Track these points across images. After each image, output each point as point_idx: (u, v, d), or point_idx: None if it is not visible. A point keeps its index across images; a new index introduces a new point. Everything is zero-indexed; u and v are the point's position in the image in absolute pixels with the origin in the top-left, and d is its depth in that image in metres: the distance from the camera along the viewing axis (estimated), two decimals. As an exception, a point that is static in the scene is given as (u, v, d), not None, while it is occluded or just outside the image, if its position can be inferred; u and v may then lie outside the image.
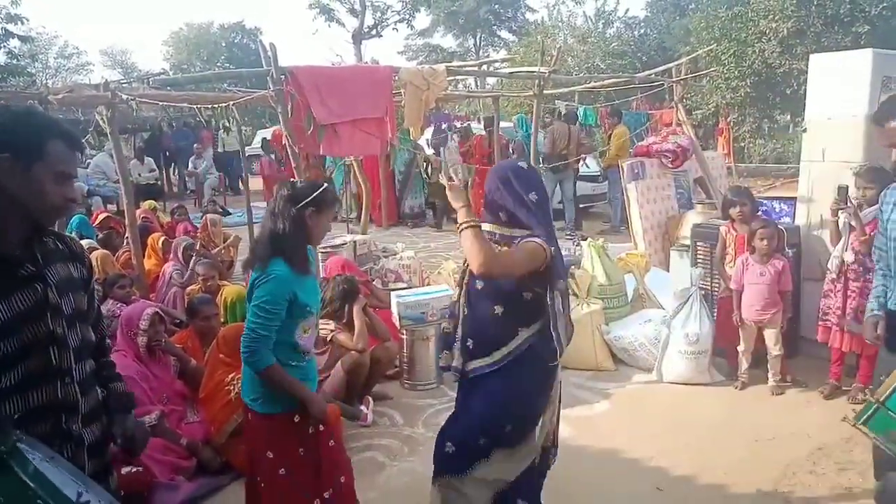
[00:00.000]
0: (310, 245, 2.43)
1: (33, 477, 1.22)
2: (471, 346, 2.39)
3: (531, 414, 2.42)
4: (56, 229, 1.70)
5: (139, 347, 3.50)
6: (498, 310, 2.32)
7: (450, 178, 2.33)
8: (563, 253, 6.03)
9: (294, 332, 2.34)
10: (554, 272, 2.28)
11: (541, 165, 7.64)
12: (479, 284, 2.36)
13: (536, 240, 2.25)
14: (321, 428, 2.40)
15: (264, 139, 13.76)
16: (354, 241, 6.30)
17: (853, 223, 3.81)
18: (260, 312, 2.26)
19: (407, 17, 30.96)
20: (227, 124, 6.24)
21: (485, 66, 8.10)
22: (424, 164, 10.04)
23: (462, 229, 2.19)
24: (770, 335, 4.15)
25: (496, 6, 31.28)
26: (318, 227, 2.39)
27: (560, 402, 2.60)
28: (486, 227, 2.35)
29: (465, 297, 2.43)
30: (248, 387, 2.41)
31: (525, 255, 2.22)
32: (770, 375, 4.20)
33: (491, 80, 18.28)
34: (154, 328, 3.54)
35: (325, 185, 2.44)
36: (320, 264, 5.87)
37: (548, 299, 2.28)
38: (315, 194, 2.35)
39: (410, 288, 5.40)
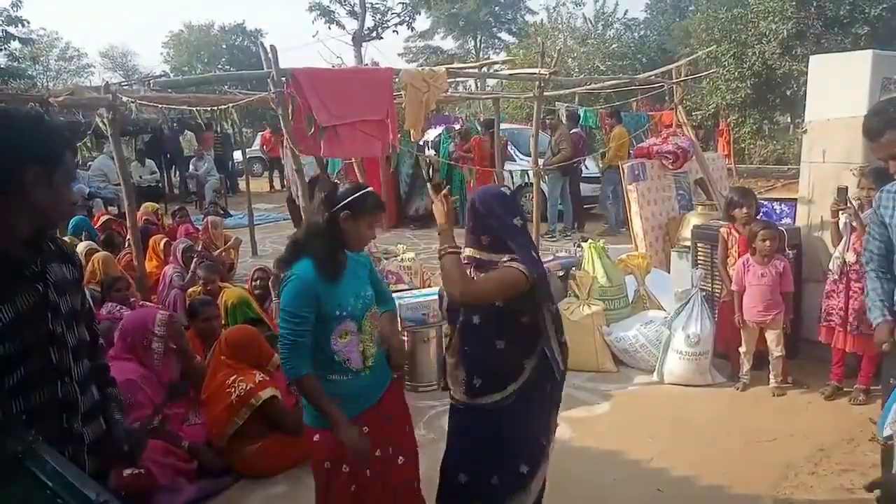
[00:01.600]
0: (348, 250, 2.29)
1: (51, 476, 1.22)
2: (478, 385, 2.33)
3: (539, 444, 2.39)
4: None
5: (153, 353, 3.49)
6: (500, 344, 2.30)
7: (436, 189, 2.38)
8: (563, 254, 6.06)
9: (329, 339, 2.19)
10: (541, 293, 2.28)
11: (540, 167, 7.62)
12: (476, 319, 2.32)
13: (516, 265, 2.23)
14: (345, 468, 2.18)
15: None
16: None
17: (854, 224, 3.81)
18: (286, 317, 2.15)
19: (407, 19, 31.00)
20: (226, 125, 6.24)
21: (485, 68, 8.09)
22: (426, 165, 10.06)
23: (442, 255, 2.26)
24: (771, 336, 4.15)
25: (496, 8, 31.35)
26: (355, 231, 2.24)
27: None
28: (468, 252, 2.36)
29: (461, 334, 2.38)
30: None
31: (503, 281, 2.23)
32: (771, 377, 4.20)
33: (491, 82, 18.27)
34: (172, 329, 3.56)
35: (367, 189, 2.33)
36: (381, 263, 5.88)
37: (541, 320, 2.29)
38: (352, 198, 2.22)
39: (411, 289, 5.40)
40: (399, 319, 4.62)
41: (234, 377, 3.45)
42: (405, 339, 4.46)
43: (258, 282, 5.02)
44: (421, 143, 9.62)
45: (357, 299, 2.25)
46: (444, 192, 2.40)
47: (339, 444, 2.15)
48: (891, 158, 2.37)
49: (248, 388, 3.39)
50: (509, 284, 2.22)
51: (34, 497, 1.20)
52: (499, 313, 2.27)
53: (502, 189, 2.48)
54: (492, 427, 2.32)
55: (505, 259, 2.27)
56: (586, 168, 10.47)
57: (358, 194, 2.25)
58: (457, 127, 11.33)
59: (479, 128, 10.81)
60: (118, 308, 4.40)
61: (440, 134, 11.06)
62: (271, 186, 16.52)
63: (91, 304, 1.89)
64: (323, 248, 2.21)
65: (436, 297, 4.61)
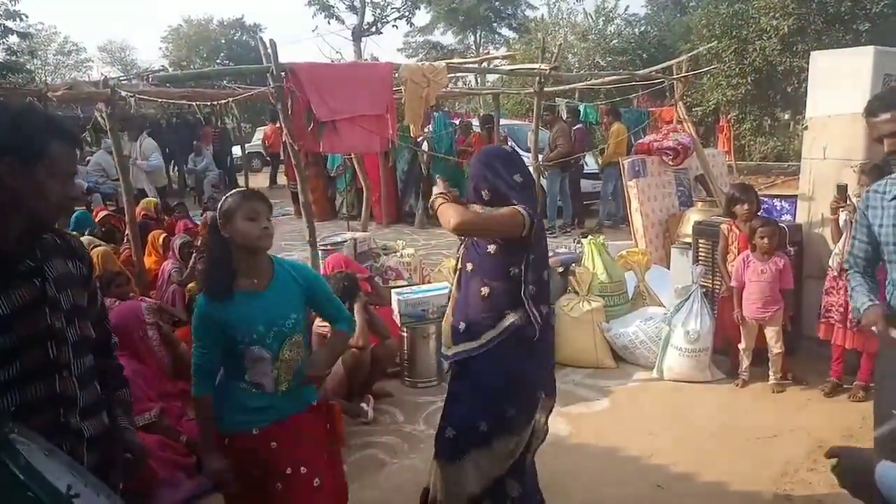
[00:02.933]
0: (248, 253, 2.14)
1: (24, 469, 1.23)
2: (461, 329, 2.43)
3: (529, 393, 2.44)
4: (56, 227, 1.70)
5: (151, 341, 3.52)
6: (485, 291, 2.36)
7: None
8: (563, 250, 6.05)
9: (241, 360, 2.10)
10: (537, 235, 2.33)
11: (539, 162, 7.61)
12: (469, 266, 2.41)
13: (517, 206, 2.30)
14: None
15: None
16: (355, 239, 6.29)
17: (854, 221, 3.80)
18: (193, 338, 2.19)
19: (407, 13, 30.96)
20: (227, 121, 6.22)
21: (485, 64, 8.09)
22: (424, 161, 10.03)
23: (436, 203, 2.35)
24: (771, 333, 4.15)
25: (496, 3, 31.25)
26: (237, 232, 2.12)
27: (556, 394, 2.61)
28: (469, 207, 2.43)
29: (457, 281, 2.49)
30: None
31: (502, 215, 2.30)
32: (771, 373, 4.19)
33: (491, 78, 18.26)
34: (159, 316, 3.63)
35: (233, 191, 2.26)
36: (380, 259, 5.87)
37: (525, 272, 2.32)
38: (219, 206, 2.16)
39: (411, 285, 5.40)
40: (398, 315, 4.63)
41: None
42: (404, 334, 4.46)
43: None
44: (419, 139, 9.57)
45: (269, 327, 2.09)
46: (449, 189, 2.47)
47: (242, 449, 2.13)
48: (886, 137, 2.35)
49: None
50: (508, 221, 2.29)
51: (7, 489, 1.20)
52: (491, 261, 2.35)
53: (504, 147, 2.53)
54: (472, 375, 2.40)
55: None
56: (586, 164, 10.45)
57: (224, 199, 2.18)
58: (457, 122, 11.32)
59: (473, 126, 10.81)
60: (116, 304, 4.38)
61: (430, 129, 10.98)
62: (273, 182, 16.47)
63: (103, 302, 1.87)
64: (205, 269, 2.19)
65: (436, 294, 4.60)
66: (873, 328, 2.35)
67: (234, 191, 2.25)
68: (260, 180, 16.31)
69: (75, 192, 1.61)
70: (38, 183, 1.49)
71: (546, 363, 2.56)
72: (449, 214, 2.30)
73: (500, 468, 2.41)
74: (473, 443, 2.39)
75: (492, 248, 2.36)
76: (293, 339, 2.16)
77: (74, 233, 5.20)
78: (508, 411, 2.39)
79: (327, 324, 4.01)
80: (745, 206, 4.32)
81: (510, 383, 2.39)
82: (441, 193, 2.42)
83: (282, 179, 16.41)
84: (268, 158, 16.94)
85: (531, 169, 7.52)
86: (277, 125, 16.87)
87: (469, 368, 2.42)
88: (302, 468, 2.11)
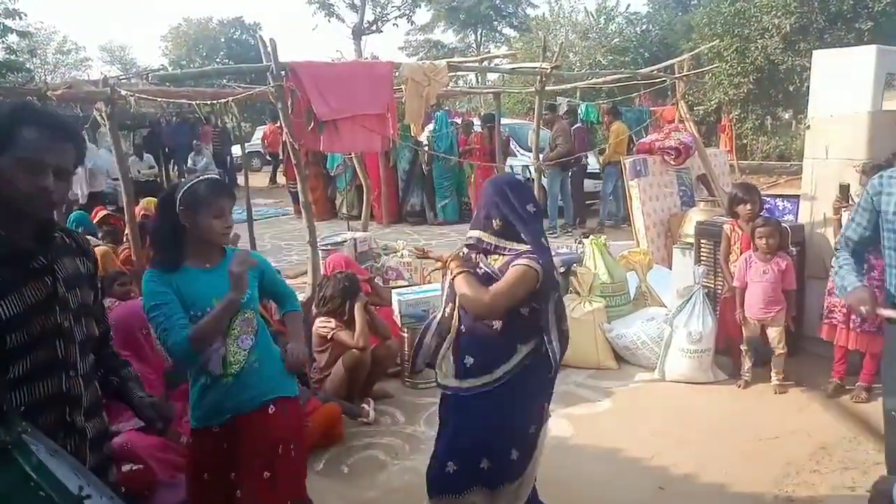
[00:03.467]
0: (208, 244, 2.18)
1: (36, 469, 1.23)
2: (468, 365, 2.34)
3: (533, 433, 2.39)
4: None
5: (153, 340, 3.49)
6: (497, 325, 2.30)
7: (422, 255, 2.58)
8: (564, 250, 6.03)
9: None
10: (549, 286, 2.29)
11: (540, 162, 7.60)
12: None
13: (526, 262, 2.24)
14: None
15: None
16: (355, 239, 6.27)
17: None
18: (149, 314, 2.14)
19: (407, 12, 30.94)
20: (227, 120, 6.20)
21: (486, 62, 8.06)
22: (424, 160, 10.03)
23: (454, 276, 2.31)
24: (773, 333, 4.13)
25: (497, 2, 31.23)
26: (197, 227, 2.13)
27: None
28: (476, 234, 2.37)
29: (459, 316, 2.37)
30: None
31: (518, 281, 2.23)
32: (773, 374, 4.18)
33: (492, 76, 18.25)
34: None
35: (201, 178, 2.22)
36: (380, 259, 5.82)
37: (542, 310, 2.29)
38: (183, 191, 2.15)
39: (411, 286, 5.38)
40: (398, 315, 4.61)
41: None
42: (405, 335, 4.45)
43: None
44: (420, 137, 9.56)
45: (219, 300, 2.09)
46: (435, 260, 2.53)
47: (205, 444, 2.17)
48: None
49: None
50: (523, 285, 2.23)
51: (20, 488, 1.19)
52: None
53: (517, 177, 2.49)
54: (480, 412, 2.32)
55: (514, 250, 2.29)
56: (590, 164, 10.43)
57: (188, 185, 2.15)
58: (459, 121, 11.30)
59: (475, 125, 10.80)
60: (117, 304, 4.37)
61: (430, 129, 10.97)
62: (272, 181, 16.45)
63: (101, 298, 1.88)
64: (155, 247, 2.17)
65: (436, 294, 4.58)
66: (861, 308, 2.31)
67: (201, 179, 2.21)
68: (259, 179, 16.31)
69: (46, 182, 1.48)
70: (4, 172, 1.45)
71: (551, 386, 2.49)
72: (470, 299, 2.25)
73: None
74: (476, 478, 2.34)
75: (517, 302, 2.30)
76: (245, 314, 2.16)
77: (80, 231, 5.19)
78: (512, 454, 2.34)
79: (328, 324, 4.02)
80: (748, 207, 4.29)
81: (514, 423, 2.35)
82: (457, 265, 2.35)
83: (281, 179, 16.42)
84: (268, 158, 16.93)
85: (532, 168, 7.50)
86: (276, 125, 16.94)
87: (472, 405, 2.33)
88: (265, 473, 2.13)
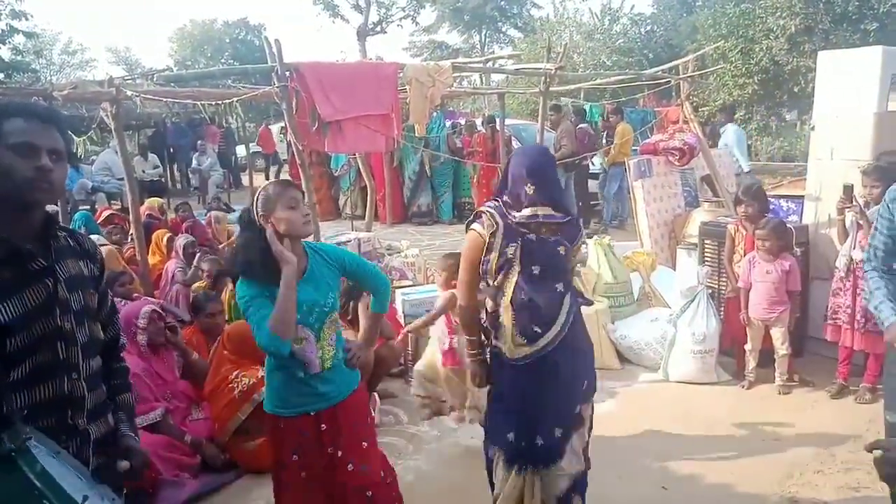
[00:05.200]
0: (293, 238, 2.24)
1: (40, 476, 1.22)
2: (539, 331, 2.39)
3: (578, 413, 2.50)
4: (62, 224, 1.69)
5: (140, 345, 3.49)
6: (560, 287, 2.40)
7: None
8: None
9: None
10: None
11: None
12: (536, 269, 2.38)
13: (472, 230, 2.44)
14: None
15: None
16: (359, 239, 6.28)
17: (860, 222, 3.78)
18: (243, 307, 2.23)
19: (412, 13, 30.96)
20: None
21: (490, 63, 8.07)
22: (428, 161, 10.03)
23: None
24: (777, 334, 4.13)
25: (502, 2, 31.24)
26: (280, 223, 2.20)
27: None
28: (544, 211, 2.39)
29: (514, 290, 2.39)
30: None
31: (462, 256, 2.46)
32: (777, 375, 4.17)
33: (496, 77, 18.25)
34: (154, 325, 3.53)
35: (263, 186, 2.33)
36: (384, 259, 5.83)
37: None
38: (256, 202, 2.24)
39: (415, 286, 5.39)
40: (402, 315, 4.62)
41: (236, 372, 3.45)
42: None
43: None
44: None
45: (311, 307, 2.21)
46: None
47: (293, 432, 2.27)
48: None
49: (250, 383, 3.38)
50: (467, 254, 2.45)
51: (24, 496, 1.19)
52: (564, 261, 2.42)
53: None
54: (554, 365, 2.40)
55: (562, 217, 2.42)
56: (593, 165, 10.42)
57: (258, 195, 2.26)
58: (462, 122, 11.30)
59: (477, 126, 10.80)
60: (122, 303, 4.39)
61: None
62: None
63: (114, 303, 1.85)
64: (248, 262, 2.20)
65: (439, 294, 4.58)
66: None
67: (267, 183, 2.33)
68: (263, 180, 16.34)
69: (42, 162, 1.48)
70: (1, 163, 1.45)
71: None
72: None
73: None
74: (571, 434, 2.44)
75: (562, 249, 2.42)
76: (332, 317, 2.31)
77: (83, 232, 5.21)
78: (556, 431, 2.43)
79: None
80: (742, 208, 4.30)
81: (591, 355, 2.54)
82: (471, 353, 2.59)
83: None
84: (263, 159, 16.90)
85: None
86: (269, 126, 17.01)
87: (555, 359, 2.40)
88: (339, 451, 2.27)
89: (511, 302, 2.37)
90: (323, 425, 2.28)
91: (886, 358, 2.58)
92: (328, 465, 2.29)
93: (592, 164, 10.42)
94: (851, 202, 3.80)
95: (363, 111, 4.79)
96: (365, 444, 2.36)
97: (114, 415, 1.72)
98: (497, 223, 2.38)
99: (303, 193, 2.31)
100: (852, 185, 3.83)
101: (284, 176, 16.53)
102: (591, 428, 2.56)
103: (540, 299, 2.37)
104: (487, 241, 2.38)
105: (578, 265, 5.06)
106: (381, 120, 4.98)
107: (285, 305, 2.10)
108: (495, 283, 2.40)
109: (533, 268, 2.36)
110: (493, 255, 2.38)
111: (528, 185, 2.35)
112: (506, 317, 2.39)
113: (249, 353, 3.55)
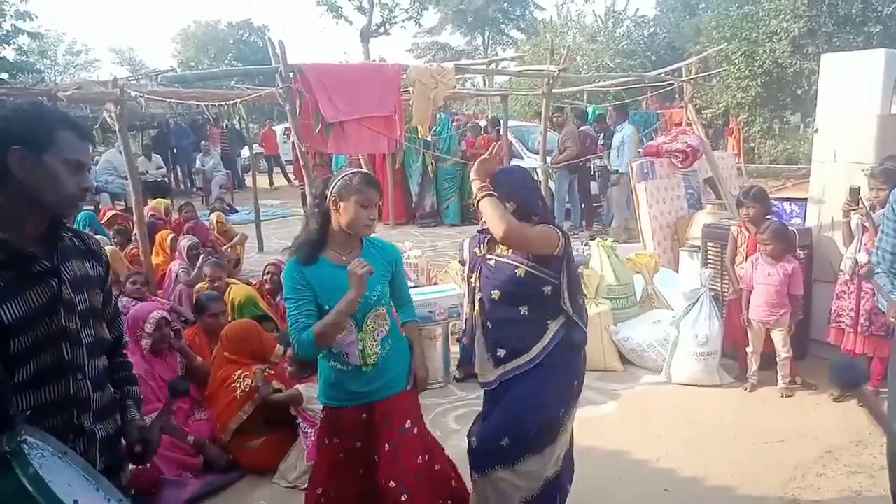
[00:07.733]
0: (349, 232, 2.28)
1: (32, 480, 1.21)
2: (502, 355, 2.38)
3: (575, 399, 2.49)
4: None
5: (142, 349, 3.50)
6: (524, 310, 2.35)
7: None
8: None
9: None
10: (571, 256, 2.37)
11: (548, 165, 7.59)
12: (496, 295, 2.37)
13: (549, 226, 2.33)
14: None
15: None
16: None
17: (866, 224, 3.77)
18: (287, 305, 2.28)
19: (415, 15, 30.91)
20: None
21: (493, 65, 8.08)
22: (432, 162, 10.04)
23: (479, 199, 2.30)
24: (777, 337, 4.12)
25: (505, 4, 31.25)
26: (346, 213, 2.24)
27: None
28: None
29: (481, 311, 2.43)
30: None
31: (542, 234, 2.30)
32: (779, 377, 4.16)
33: (499, 79, 18.24)
34: (160, 332, 3.54)
35: (355, 171, 2.36)
36: None
37: (564, 288, 2.34)
38: (338, 181, 2.27)
39: (418, 287, 5.38)
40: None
41: (238, 372, 3.45)
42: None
43: (270, 276, 5.01)
44: (429, 138, 9.56)
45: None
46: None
47: (337, 419, 2.34)
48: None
49: (252, 383, 3.39)
50: (547, 239, 2.29)
51: (14, 499, 1.19)
52: (522, 284, 2.33)
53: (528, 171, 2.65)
54: (522, 386, 2.37)
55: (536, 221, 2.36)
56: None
57: (342, 176, 2.27)
58: (456, 124, 11.29)
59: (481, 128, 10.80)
60: (132, 303, 4.40)
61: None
62: (270, 183, 16.46)
63: (117, 304, 1.87)
64: (305, 236, 2.29)
65: (443, 295, 4.59)
66: None
67: (354, 171, 2.33)
68: (266, 181, 16.36)
69: (88, 183, 1.56)
70: (50, 171, 1.48)
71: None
72: (497, 218, 2.23)
73: (554, 466, 2.47)
74: (528, 449, 2.38)
75: (520, 271, 2.32)
76: (377, 311, 2.30)
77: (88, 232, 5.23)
78: (562, 413, 2.42)
79: None
80: (745, 210, 4.30)
81: (565, 390, 2.42)
82: (483, 186, 2.34)
83: (279, 181, 16.50)
84: (263, 160, 16.93)
85: (539, 171, 7.52)
86: (272, 127, 17.02)
87: (518, 383, 2.37)
88: (386, 445, 2.29)
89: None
90: (364, 414, 2.32)
91: (890, 361, 2.58)
92: (366, 453, 2.34)
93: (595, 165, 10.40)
94: (858, 204, 3.79)
95: (366, 113, 4.81)
96: (399, 446, 2.32)
97: (121, 403, 1.74)
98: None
99: (380, 195, 2.32)
100: (859, 188, 3.82)
101: (278, 177, 16.57)
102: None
103: None
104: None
105: (581, 267, 5.08)
106: (384, 121, 4.99)
107: (336, 323, 2.15)
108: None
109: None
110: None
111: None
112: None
113: (248, 350, 3.57)
